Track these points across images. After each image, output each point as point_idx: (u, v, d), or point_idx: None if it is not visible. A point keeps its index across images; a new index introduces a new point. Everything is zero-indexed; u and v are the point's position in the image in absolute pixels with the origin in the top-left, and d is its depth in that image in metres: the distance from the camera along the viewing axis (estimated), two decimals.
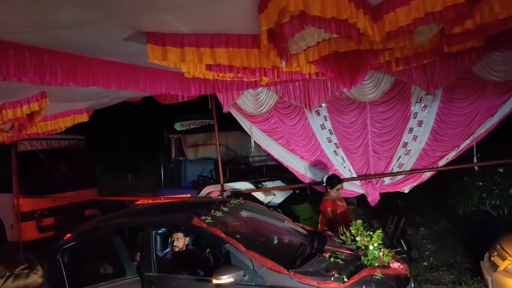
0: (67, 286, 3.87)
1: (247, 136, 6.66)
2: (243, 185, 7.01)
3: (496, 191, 6.12)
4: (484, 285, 5.20)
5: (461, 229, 7.35)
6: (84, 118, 5.72)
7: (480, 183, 6.27)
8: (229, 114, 6.32)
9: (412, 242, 7.28)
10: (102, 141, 12.01)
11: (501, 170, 6.06)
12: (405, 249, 6.51)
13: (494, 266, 4.61)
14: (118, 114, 10.10)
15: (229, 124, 6.76)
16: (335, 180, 5.16)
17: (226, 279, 3.48)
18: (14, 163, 7.98)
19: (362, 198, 6.95)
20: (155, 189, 8.96)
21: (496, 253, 4.70)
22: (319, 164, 6.19)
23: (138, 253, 4.19)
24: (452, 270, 6.07)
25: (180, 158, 9.52)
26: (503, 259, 4.49)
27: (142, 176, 12.36)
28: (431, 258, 6.67)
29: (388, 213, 7.17)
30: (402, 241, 6.59)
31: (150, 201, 7.07)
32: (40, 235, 8.60)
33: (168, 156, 9.52)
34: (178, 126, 9.72)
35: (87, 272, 4.39)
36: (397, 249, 6.11)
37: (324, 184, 5.21)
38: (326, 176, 5.33)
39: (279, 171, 7.82)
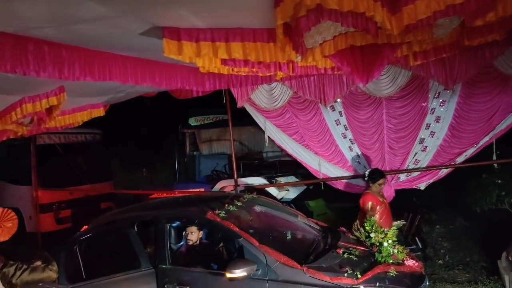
0: (84, 276, 3.94)
1: (261, 131, 6.65)
2: (257, 180, 7.02)
3: None
4: (501, 284, 5.10)
5: (478, 227, 7.22)
6: (101, 112, 5.79)
7: (499, 181, 6.13)
8: (243, 109, 6.32)
9: (428, 240, 7.19)
10: (117, 136, 12.16)
11: None
12: (420, 247, 6.44)
13: None
14: (134, 109, 10.20)
15: (243, 119, 6.77)
16: (377, 174, 4.99)
17: (239, 273, 3.50)
18: (33, 156, 8.15)
19: None
20: (170, 183, 9.05)
21: None
22: (333, 160, 6.15)
23: (153, 246, 4.24)
24: (468, 269, 5.98)
25: (194, 153, 9.60)
26: None
27: (157, 170, 12.49)
28: (447, 257, 6.58)
29: (403, 210, 7.09)
30: (417, 238, 6.52)
31: (164, 195, 7.15)
32: (57, 226, 8.81)
33: (183, 151, 9.60)
34: (192, 121, 9.79)
35: (103, 263, 4.46)
36: (412, 247, 6.04)
37: (366, 179, 5.11)
38: (369, 170, 5.22)
39: (293, 167, 7.80)
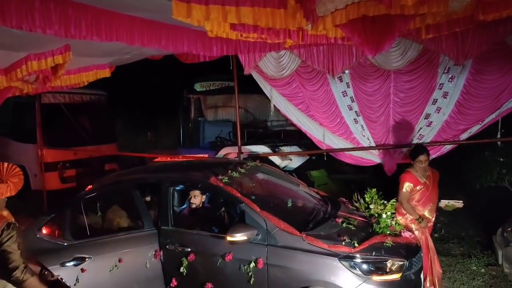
0: (88, 233, 4.05)
1: (267, 100, 6.61)
2: (261, 149, 7.06)
3: None
4: (494, 259, 5.23)
5: (475, 204, 7.31)
6: (107, 73, 5.76)
7: (501, 159, 6.16)
8: (250, 77, 6.25)
9: None
10: (122, 98, 12.14)
11: None
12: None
13: (506, 241, 4.62)
14: (139, 71, 10.13)
15: (249, 87, 6.72)
16: (416, 150, 4.45)
17: (239, 236, 3.60)
18: (38, 114, 8.18)
19: (378, 166, 6.92)
20: (174, 148, 9.11)
21: (509, 229, 4.69)
22: (338, 132, 6.15)
23: (156, 208, 4.34)
24: (463, 243, 6.11)
25: (199, 119, 9.60)
26: None
27: (161, 134, 12.55)
28: (443, 230, 6.70)
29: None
30: None
31: (168, 159, 7.21)
32: (62, 185, 8.98)
33: (188, 116, 9.60)
34: (198, 87, 9.73)
35: (107, 222, 4.58)
36: None
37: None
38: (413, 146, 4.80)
39: (297, 137, 7.82)
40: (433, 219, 4.57)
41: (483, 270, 5.08)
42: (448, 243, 6.17)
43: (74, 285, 3.65)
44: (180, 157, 7.27)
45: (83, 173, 9.29)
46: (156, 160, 7.31)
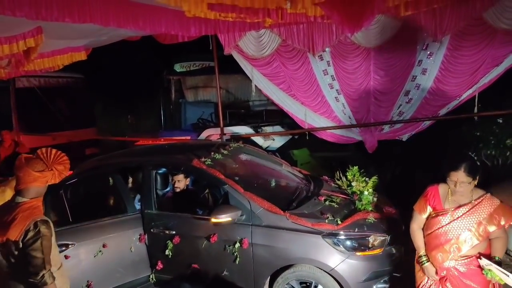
0: (70, 220, 4.01)
1: (248, 80, 6.57)
2: (243, 129, 7.05)
3: (493, 142, 6.15)
4: None
5: None
6: (82, 56, 5.60)
7: (478, 133, 6.30)
8: (231, 56, 6.18)
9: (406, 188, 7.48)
10: (101, 81, 11.85)
11: (500, 121, 6.06)
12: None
13: None
14: (117, 53, 9.87)
15: (230, 67, 6.65)
16: (450, 161, 2.74)
17: (224, 218, 3.62)
18: (13, 99, 7.93)
19: (359, 144, 7.01)
20: (155, 131, 9.01)
21: None
22: (319, 110, 6.17)
23: (138, 192, 4.32)
24: None
25: (180, 100, 9.48)
26: None
27: (142, 117, 12.36)
28: None
29: (384, 160, 7.28)
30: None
31: (150, 142, 7.14)
32: None
33: (168, 98, 9.47)
34: (178, 68, 9.57)
35: (89, 208, 4.53)
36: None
37: None
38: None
39: (279, 116, 7.83)
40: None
41: None
42: None
43: (57, 270, 3.62)
44: (162, 140, 7.20)
45: None
46: (137, 143, 7.22)
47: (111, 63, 11.67)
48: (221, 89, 7.34)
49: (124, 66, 12.96)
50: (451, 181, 2.70)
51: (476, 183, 2.71)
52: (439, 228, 2.81)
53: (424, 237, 2.95)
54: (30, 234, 2.47)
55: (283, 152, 7.10)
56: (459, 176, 2.65)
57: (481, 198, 2.75)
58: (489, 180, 6.18)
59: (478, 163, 2.75)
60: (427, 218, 2.92)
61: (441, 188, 2.85)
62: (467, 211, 2.75)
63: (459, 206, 2.77)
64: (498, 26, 4.91)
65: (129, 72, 12.97)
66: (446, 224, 2.79)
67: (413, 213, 3.02)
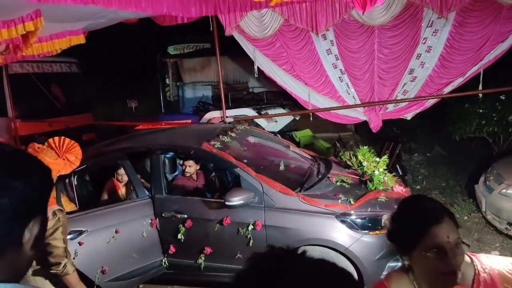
0: (82, 207, 3.97)
1: (247, 61, 6.46)
2: (246, 112, 6.98)
3: (495, 118, 6.19)
4: (476, 205, 5.48)
5: (454, 155, 7.59)
6: (81, 39, 5.43)
7: (480, 110, 6.32)
8: (227, 37, 6.03)
9: (407, 167, 7.54)
10: (95, 65, 11.62)
11: (503, 98, 6.08)
12: (400, 173, 6.74)
13: (490, 190, 4.83)
14: (111, 36, 9.64)
15: (228, 48, 6.52)
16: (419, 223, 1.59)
17: (237, 201, 3.61)
18: (7, 85, 7.75)
19: (359, 124, 7.00)
20: (155, 115, 8.89)
21: (492, 177, 4.90)
22: (323, 91, 6.12)
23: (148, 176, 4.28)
24: (444, 193, 6.38)
25: (178, 84, 9.34)
26: (499, 183, 4.70)
27: (139, 101, 12.17)
28: (424, 182, 6.96)
29: (385, 139, 7.31)
30: (398, 166, 6.80)
31: (150, 126, 7.04)
32: None
33: (166, 81, 9.31)
34: (171, 50, 9.36)
35: (98, 194, 4.50)
36: (393, 174, 6.32)
37: None
38: None
39: (279, 98, 7.76)
40: None
41: (466, 218, 5.34)
42: (430, 194, 6.41)
43: (74, 258, 3.60)
44: (163, 124, 7.11)
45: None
46: (138, 128, 7.12)
47: (105, 46, 11.42)
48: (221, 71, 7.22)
49: (118, 50, 12.71)
50: (436, 246, 1.28)
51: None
52: None
53: None
54: (51, 223, 2.42)
55: (285, 134, 7.05)
56: (450, 232, 1.30)
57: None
58: (491, 157, 6.28)
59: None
60: None
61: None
62: None
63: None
64: (504, 1, 4.86)
65: (124, 55, 12.74)
66: None
67: None
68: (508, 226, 4.49)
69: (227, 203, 3.63)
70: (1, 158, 0.77)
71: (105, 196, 4.40)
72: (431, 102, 5.84)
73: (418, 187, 6.76)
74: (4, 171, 0.75)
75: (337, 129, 7.33)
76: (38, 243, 0.80)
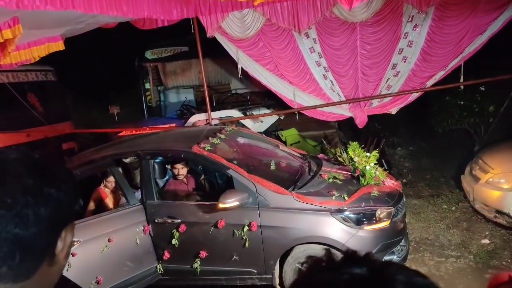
0: None
1: (228, 62, 6.43)
2: (232, 113, 6.94)
3: (476, 109, 6.35)
4: (463, 195, 5.60)
5: (436, 147, 7.74)
6: (60, 46, 5.29)
7: (461, 102, 6.47)
8: (207, 39, 5.97)
9: (392, 161, 7.64)
10: (73, 72, 11.36)
11: (483, 89, 6.24)
12: (386, 168, 6.83)
13: (476, 179, 4.93)
14: (88, 43, 9.44)
15: (208, 50, 6.47)
16: None
17: (231, 202, 3.57)
18: None
19: (342, 121, 7.05)
20: (138, 120, 8.75)
21: (478, 167, 5.00)
22: (308, 89, 6.14)
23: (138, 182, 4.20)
24: (430, 185, 6.49)
25: (159, 88, 9.22)
26: (485, 172, 4.80)
27: (121, 107, 11.96)
28: (410, 175, 7.07)
29: (367, 135, 7.39)
30: (383, 161, 6.88)
31: (133, 132, 6.91)
32: None
33: (147, 86, 9.19)
34: (149, 55, 9.22)
35: (84, 204, 4.38)
36: (383, 168, 6.39)
37: None
38: None
39: (263, 98, 7.75)
40: None
41: (453, 208, 5.45)
42: (416, 187, 6.52)
43: (67, 270, 3.50)
44: (147, 129, 6.99)
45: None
46: (121, 134, 6.98)
47: (82, 53, 11.18)
48: (200, 73, 7.14)
49: (96, 56, 12.47)
50: None
51: None
52: None
53: None
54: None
55: (271, 134, 7.04)
56: None
57: None
58: (473, 147, 6.42)
59: None
60: None
61: None
62: None
63: None
64: None
65: (103, 61, 12.50)
66: None
67: None
68: (496, 214, 4.59)
69: (221, 205, 3.59)
70: (32, 164, 0.72)
71: (92, 206, 4.29)
72: (414, 96, 5.94)
73: (404, 180, 6.85)
74: (38, 178, 0.70)
75: (321, 127, 7.37)
76: (69, 253, 0.75)
